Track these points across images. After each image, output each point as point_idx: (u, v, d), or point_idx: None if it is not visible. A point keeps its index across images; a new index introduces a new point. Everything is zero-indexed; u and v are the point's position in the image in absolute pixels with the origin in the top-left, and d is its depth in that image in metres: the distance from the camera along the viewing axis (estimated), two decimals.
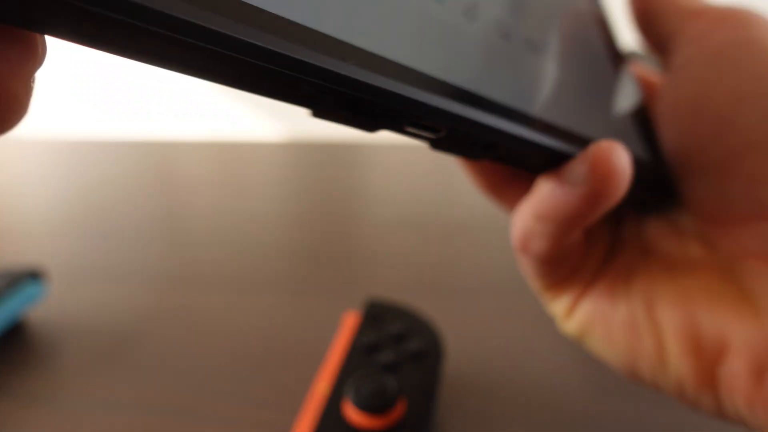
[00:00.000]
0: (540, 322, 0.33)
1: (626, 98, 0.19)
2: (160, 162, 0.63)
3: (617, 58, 0.20)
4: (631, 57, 0.66)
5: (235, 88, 0.10)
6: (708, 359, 0.16)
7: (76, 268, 0.39)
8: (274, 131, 1.48)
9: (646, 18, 0.19)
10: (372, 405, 0.22)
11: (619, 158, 0.14)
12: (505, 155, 0.14)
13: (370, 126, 0.12)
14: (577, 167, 0.15)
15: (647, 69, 0.21)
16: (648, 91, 0.20)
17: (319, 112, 0.11)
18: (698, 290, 0.17)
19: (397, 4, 0.12)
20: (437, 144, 0.13)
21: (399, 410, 0.22)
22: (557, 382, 0.28)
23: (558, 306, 0.20)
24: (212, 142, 0.70)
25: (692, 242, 0.18)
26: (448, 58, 0.12)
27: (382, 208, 0.50)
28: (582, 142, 0.15)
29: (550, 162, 0.15)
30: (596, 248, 0.19)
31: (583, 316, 0.19)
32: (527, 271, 0.19)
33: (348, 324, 0.27)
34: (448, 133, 0.13)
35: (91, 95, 1.66)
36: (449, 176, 0.57)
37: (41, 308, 0.35)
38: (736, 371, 0.16)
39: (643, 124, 0.19)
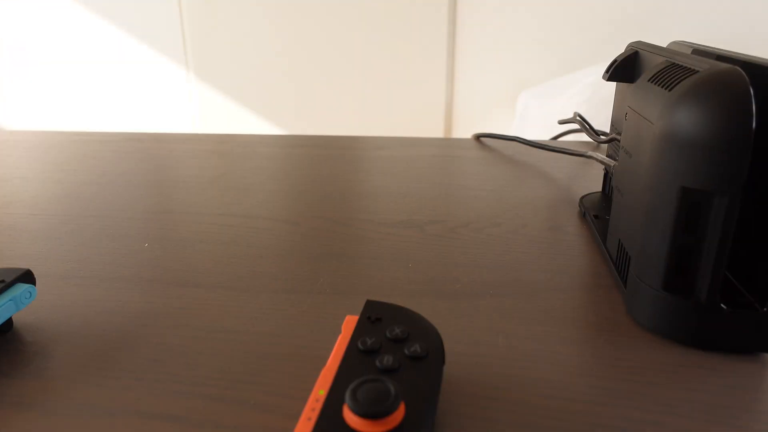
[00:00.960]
0: (541, 325, 0.32)
1: None
2: (154, 157, 0.62)
3: None
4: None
5: None
6: None
7: (65, 270, 0.39)
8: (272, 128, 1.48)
9: None
10: (371, 411, 0.21)
11: None
12: None
13: None
14: None
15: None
16: None
17: None
18: None
19: None
20: None
21: (398, 415, 0.22)
22: (559, 386, 0.28)
23: None
24: (207, 136, 0.69)
25: None
26: None
27: (382, 207, 0.49)
28: None
29: None
30: None
31: None
32: None
33: (347, 327, 0.27)
34: None
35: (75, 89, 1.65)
36: (449, 176, 0.57)
37: (31, 311, 0.34)
38: None
39: None
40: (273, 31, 2.07)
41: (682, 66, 0.32)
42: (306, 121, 2.16)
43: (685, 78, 0.29)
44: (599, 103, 1.55)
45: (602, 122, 1.48)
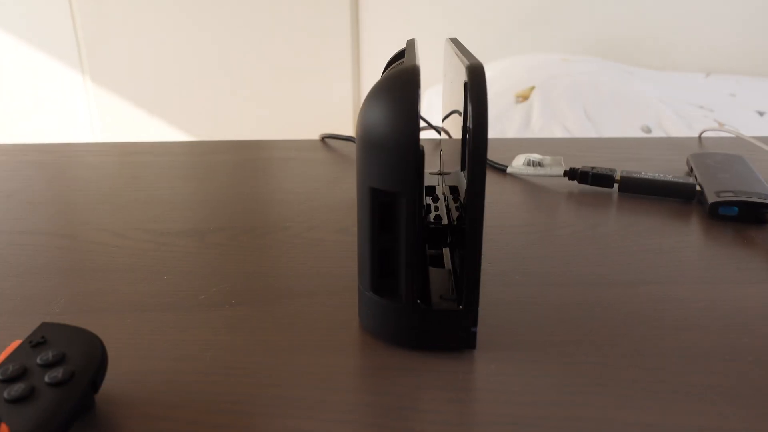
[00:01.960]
0: (266, 334, 0.32)
1: None
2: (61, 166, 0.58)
3: None
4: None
5: None
6: None
7: None
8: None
9: None
10: None
11: None
12: None
13: None
14: None
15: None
16: None
17: None
18: None
19: None
20: None
21: None
22: (241, 399, 0.27)
23: None
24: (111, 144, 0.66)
25: None
26: None
27: (173, 215, 0.47)
28: None
29: None
30: None
31: None
32: None
33: (6, 353, 0.25)
34: None
35: None
36: (266, 181, 0.56)
37: None
38: None
39: None
40: (172, 30, 2.01)
41: (397, 64, 0.32)
42: (212, 123, 2.11)
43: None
44: (491, 98, 1.58)
45: (492, 117, 1.50)
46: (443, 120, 0.46)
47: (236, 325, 0.32)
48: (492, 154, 0.63)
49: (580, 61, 1.74)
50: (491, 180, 0.55)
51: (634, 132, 1.42)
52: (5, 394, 0.23)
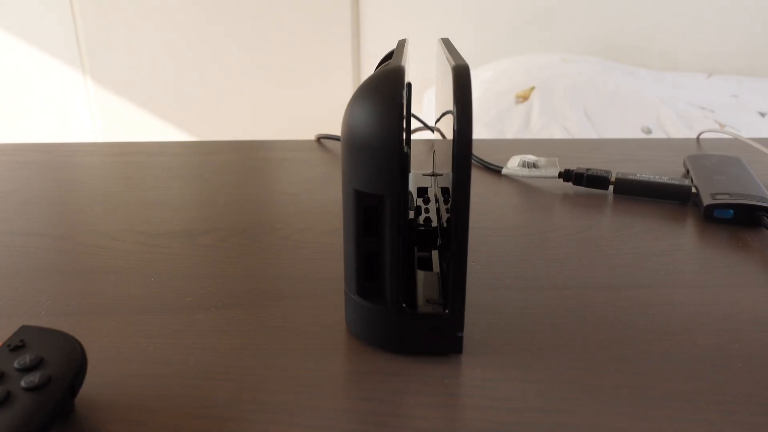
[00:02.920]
0: (252, 337, 0.31)
1: None
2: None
3: None
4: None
5: None
6: None
7: None
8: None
9: None
10: None
11: None
12: None
13: None
14: None
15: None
16: None
17: None
18: None
19: None
20: None
21: None
22: (221, 404, 0.26)
23: None
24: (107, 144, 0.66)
25: None
26: None
27: (167, 216, 0.47)
28: None
29: None
30: None
31: None
32: None
33: None
34: None
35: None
36: (260, 181, 0.55)
37: None
38: None
39: None
40: (172, 31, 2.01)
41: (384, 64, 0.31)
42: (212, 123, 2.11)
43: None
44: (491, 98, 1.58)
45: (491, 118, 1.50)
46: (437, 121, 0.45)
47: (222, 328, 0.32)
48: (488, 155, 0.63)
49: (580, 62, 1.74)
50: (485, 181, 0.55)
51: (635, 133, 1.41)
52: None
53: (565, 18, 1.94)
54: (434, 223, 0.38)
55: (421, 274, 0.34)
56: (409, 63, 0.34)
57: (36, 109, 2.11)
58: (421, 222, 0.38)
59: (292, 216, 0.47)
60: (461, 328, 0.29)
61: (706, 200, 0.46)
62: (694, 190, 0.49)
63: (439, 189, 0.39)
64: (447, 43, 0.39)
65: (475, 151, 0.64)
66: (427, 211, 0.41)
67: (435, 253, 0.37)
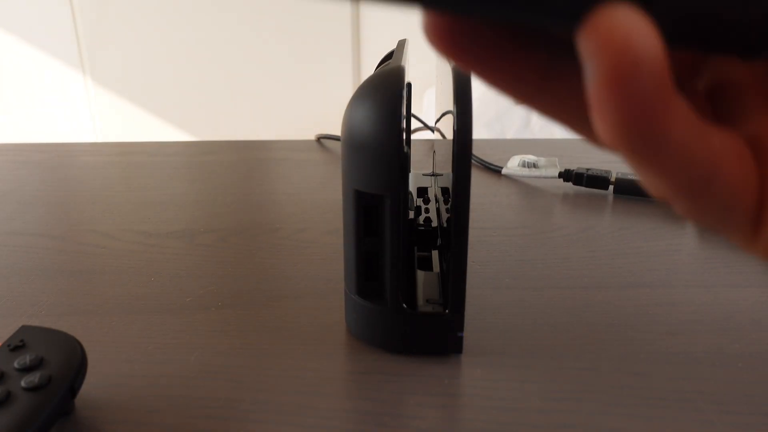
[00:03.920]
0: (250, 337, 0.31)
1: None
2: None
3: None
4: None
5: None
6: None
7: None
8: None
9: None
10: None
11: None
12: None
13: None
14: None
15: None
16: None
17: None
18: None
19: None
20: None
21: None
22: (222, 404, 0.26)
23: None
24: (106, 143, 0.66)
25: None
26: None
27: (166, 216, 0.47)
28: None
29: None
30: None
31: None
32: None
33: None
34: None
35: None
36: (258, 181, 0.55)
37: None
38: None
39: None
40: (172, 31, 2.01)
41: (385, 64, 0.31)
42: (213, 123, 2.11)
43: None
44: (491, 98, 1.57)
45: (491, 118, 1.50)
46: (437, 121, 0.45)
47: (222, 328, 0.32)
48: (488, 155, 0.63)
49: None
50: (486, 181, 0.55)
51: None
52: None
53: None
54: (434, 223, 0.38)
55: (421, 274, 0.34)
56: (409, 63, 0.34)
57: (36, 109, 2.10)
58: (421, 222, 0.38)
59: (292, 216, 0.47)
60: (461, 328, 0.29)
61: None
62: None
63: (439, 189, 0.39)
64: None
65: (475, 151, 0.64)
66: (427, 211, 0.41)
67: (435, 253, 0.37)
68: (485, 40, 0.13)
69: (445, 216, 0.33)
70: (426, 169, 0.58)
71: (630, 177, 0.51)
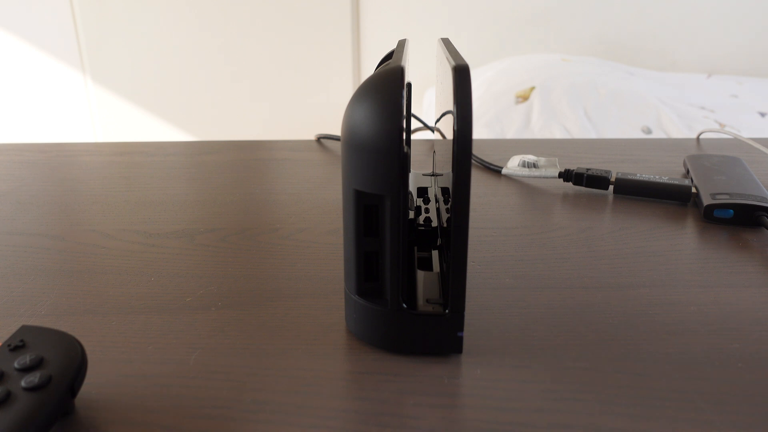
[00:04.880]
0: (251, 337, 0.31)
1: None
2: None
3: None
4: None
5: None
6: None
7: None
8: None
9: None
10: None
11: None
12: None
13: None
14: None
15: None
16: None
17: None
18: None
19: None
20: None
21: None
22: (220, 404, 0.26)
23: None
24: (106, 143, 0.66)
25: None
26: None
27: (165, 216, 0.47)
28: None
29: None
30: None
31: None
32: None
33: None
34: None
35: None
36: (258, 181, 0.55)
37: None
38: None
39: None
40: (172, 30, 2.01)
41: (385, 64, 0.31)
42: (213, 123, 2.11)
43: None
44: (491, 98, 1.57)
45: (491, 118, 1.50)
46: (437, 121, 0.45)
47: (222, 328, 0.32)
48: (488, 155, 0.63)
49: (580, 62, 1.74)
50: (486, 181, 0.55)
51: (635, 133, 1.41)
52: None
53: (565, 18, 1.94)
54: (434, 223, 0.38)
55: (421, 274, 0.34)
56: (409, 63, 0.34)
57: (36, 109, 2.10)
58: (421, 222, 0.38)
59: (292, 216, 0.47)
60: (461, 328, 0.29)
61: (706, 200, 0.46)
62: (694, 190, 0.49)
63: (439, 189, 0.39)
64: (447, 43, 0.39)
65: (475, 151, 0.64)
66: (427, 211, 0.41)
67: (435, 253, 0.37)
68: None
69: (445, 216, 0.33)
70: (426, 169, 0.58)
71: (630, 177, 0.51)
